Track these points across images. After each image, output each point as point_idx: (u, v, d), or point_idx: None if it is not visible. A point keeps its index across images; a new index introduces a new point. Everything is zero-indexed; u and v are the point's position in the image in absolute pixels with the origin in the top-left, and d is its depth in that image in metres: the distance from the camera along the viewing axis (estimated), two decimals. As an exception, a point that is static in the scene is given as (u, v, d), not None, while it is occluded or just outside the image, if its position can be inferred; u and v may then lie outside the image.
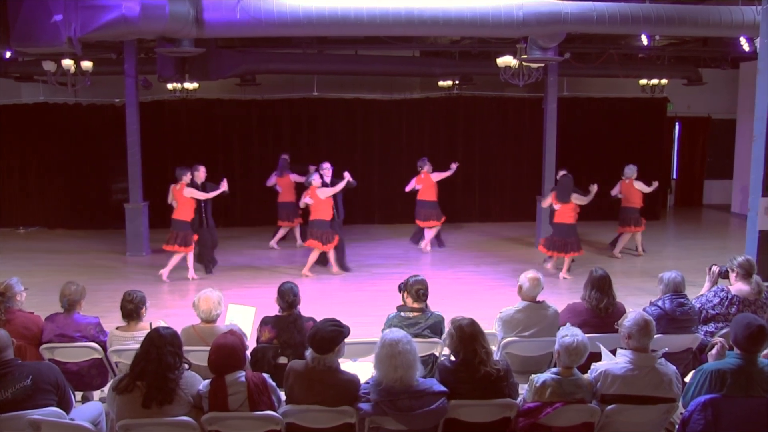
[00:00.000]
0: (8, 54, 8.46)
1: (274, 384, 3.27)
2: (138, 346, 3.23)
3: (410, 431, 3.10)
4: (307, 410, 3.14)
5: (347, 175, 8.42)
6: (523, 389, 3.36)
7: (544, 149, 10.21)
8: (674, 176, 14.49)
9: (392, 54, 11.37)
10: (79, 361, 4.21)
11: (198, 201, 8.21)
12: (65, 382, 3.36)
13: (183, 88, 11.54)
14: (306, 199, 8.34)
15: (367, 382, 3.20)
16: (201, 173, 8.34)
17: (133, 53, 9.54)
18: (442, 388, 3.14)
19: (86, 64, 8.53)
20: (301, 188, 9.90)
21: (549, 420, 3.10)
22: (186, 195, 8.06)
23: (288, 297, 4.17)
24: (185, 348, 3.38)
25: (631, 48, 11.37)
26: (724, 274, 4.62)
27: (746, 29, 7.76)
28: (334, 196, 8.49)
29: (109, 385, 3.62)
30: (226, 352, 3.15)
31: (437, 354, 4.12)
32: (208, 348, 3.24)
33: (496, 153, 12.51)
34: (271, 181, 10.09)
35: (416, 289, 4.17)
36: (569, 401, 3.11)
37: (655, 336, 3.35)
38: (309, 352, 3.21)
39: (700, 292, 4.68)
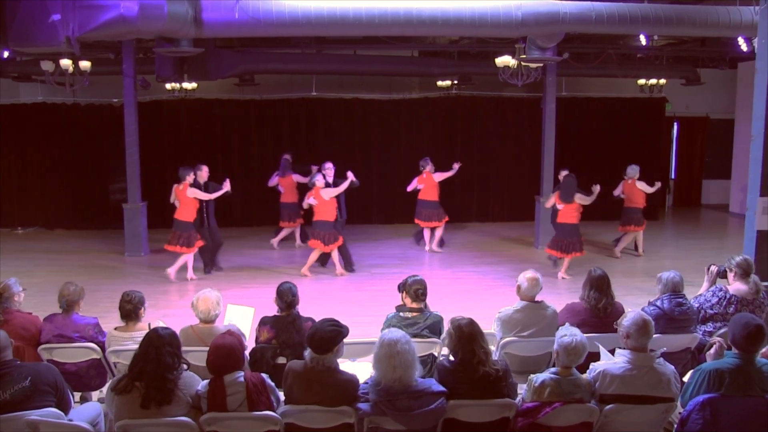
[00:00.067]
0: (6, 54, 8.44)
1: (272, 384, 3.27)
2: (137, 346, 3.22)
3: (409, 431, 3.11)
4: (306, 410, 3.14)
5: (351, 175, 8.41)
6: (521, 389, 3.36)
7: (543, 149, 10.21)
8: (673, 176, 14.50)
9: (391, 54, 11.37)
10: (78, 362, 4.20)
11: (200, 201, 8.20)
12: (64, 383, 3.35)
13: (181, 88, 11.53)
14: (310, 200, 8.31)
15: (365, 382, 3.20)
16: (204, 173, 8.34)
17: (131, 53, 9.53)
18: (441, 388, 3.14)
19: (84, 64, 8.52)
20: (303, 188, 9.91)
21: (548, 420, 3.10)
22: (189, 195, 8.04)
23: (287, 297, 4.16)
24: (184, 348, 3.37)
25: (630, 48, 11.38)
26: (722, 274, 4.63)
27: (744, 29, 7.77)
28: (337, 197, 8.48)
29: (107, 385, 3.61)
30: (224, 353, 3.14)
31: (436, 354, 4.12)
32: (207, 348, 3.24)
33: (495, 153, 12.51)
34: (273, 181, 10.08)
35: (415, 289, 4.17)
36: (568, 401, 3.11)
37: (654, 336, 3.35)
38: (308, 352, 3.21)
39: (698, 292, 4.68)
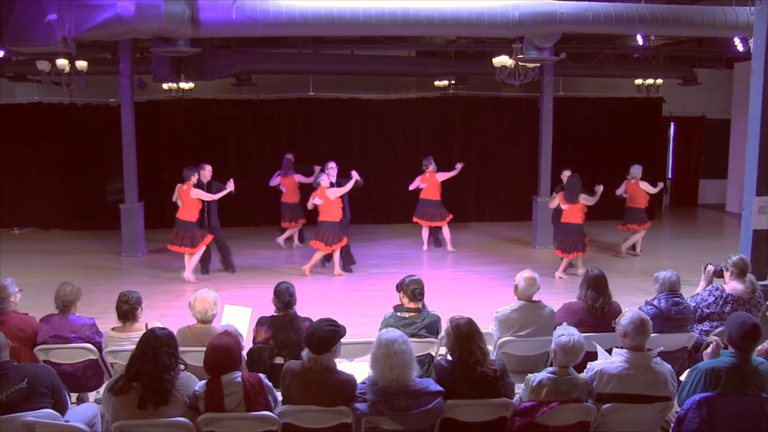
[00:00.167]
0: (2, 53, 8.42)
1: (270, 384, 3.27)
2: (134, 347, 3.22)
3: (407, 431, 3.10)
4: (304, 410, 3.14)
5: (355, 174, 8.40)
6: (519, 388, 3.36)
7: (540, 149, 10.22)
8: (669, 176, 14.53)
9: (388, 54, 11.37)
10: (75, 363, 4.19)
11: (203, 201, 8.18)
12: (61, 384, 3.35)
13: (178, 87, 11.51)
14: (315, 200, 8.29)
15: (363, 382, 3.20)
16: (207, 172, 8.32)
17: (128, 53, 9.51)
18: (439, 388, 3.14)
19: (81, 64, 8.50)
20: (304, 189, 9.90)
21: (545, 419, 3.10)
22: (193, 196, 8.03)
23: (284, 297, 4.16)
24: (181, 349, 3.37)
25: (627, 48, 11.40)
26: (719, 273, 4.64)
27: (740, 30, 7.80)
28: (342, 196, 8.46)
29: (104, 386, 3.60)
30: (221, 353, 3.14)
31: (434, 354, 4.12)
32: (204, 348, 3.23)
33: (492, 153, 12.51)
34: (275, 181, 10.06)
35: (412, 289, 4.17)
36: (565, 400, 3.12)
37: (651, 335, 3.36)
38: (305, 353, 3.20)
39: (695, 291, 4.70)
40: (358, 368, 3.65)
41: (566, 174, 8.88)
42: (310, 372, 3.16)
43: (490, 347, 3.92)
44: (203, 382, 3.18)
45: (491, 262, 9.37)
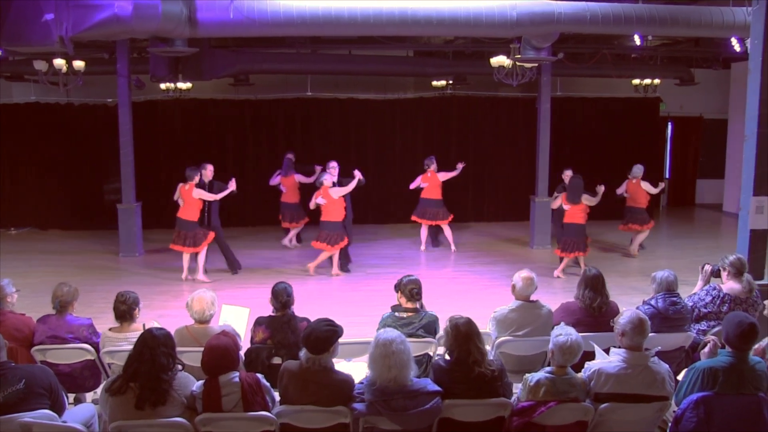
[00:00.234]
0: (-1, 53, 8.41)
1: (268, 384, 3.27)
2: (131, 347, 3.21)
3: (404, 431, 3.11)
4: (302, 410, 3.14)
5: (358, 174, 8.39)
6: (517, 388, 3.36)
7: (538, 149, 10.23)
8: (667, 176, 14.56)
9: (386, 54, 11.37)
10: (72, 363, 4.18)
11: (204, 201, 8.17)
12: (59, 385, 3.34)
13: (176, 87, 11.49)
14: (318, 200, 8.27)
15: (361, 382, 3.21)
16: (208, 172, 8.31)
17: (125, 53, 9.49)
18: (437, 388, 3.14)
19: (78, 64, 8.47)
20: (304, 188, 9.89)
21: (543, 419, 3.10)
22: (195, 196, 8.02)
23: (282, 297, 4.16)
24: (179, 349, 3.37)
25: (624, 48, 11.42)
26: (716, 273, 4.65)
27: (737, 30, 7.81)
28: (344, 196, 8.45)
29: (101, 386, 3.60)
30: (219, 353, 3.13)
31: (431, 354, 4.12)
32: (202, 349, 3.23)
33: (490, 153, 12.52)
34: (275, 180, 10.05)
35: (410, 289, 4.17)
36: (563, 400, 3.12)
37: (648, 334, 3.36)
38: (303, 353, 3.20)
39: (692, 291, 4.71)
40: (356, 368, 3.65)
41: (567, 174, 8.87)
42: (308, 372, 3.16)
43: (487, 347, 3.92)
44: (201, 382, 3.18)
45: (489, 262, 9.37)
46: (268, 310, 4.23)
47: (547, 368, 3.26)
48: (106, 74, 10.20)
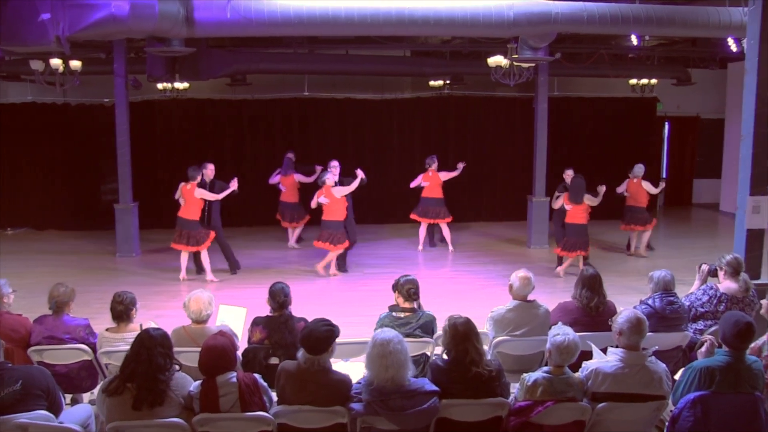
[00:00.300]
0: (-5, 53, 8.36)
1: (265, 384, 3.26)
2: (128, 347, 3.21)
3: (402, 431, 3.10)
4: (299, 410, 3.14)
5: (360, 173, 8.39)
6: (514, 388, 3.37)
7: (535, 149, 10.24)
8: (664, 175, 14.58)
9: (383, 54, 11.37)
10: (69, 363, 4.17)
11: (205, 200, 8.16)
12: (56, 386, 3.33)
13: (173, 87, 11.46)
14: (320, 199, 8.26)
15: (358, 382, 3.20)
16: (209, 171, 8.30)
17: (122, 53, 9.48)
18: (434, 388, 3.14)
19: (75, 64, 8.46)
20: (304, 188, 9.87)
21: (540, 419, 3.11)
22: (197, 196, 8.01)
23: (279, 297, 4.15)
24: (176, 349, 3.36)
25: (621, 48, 11.45)
26: (713, 273, 4.66)
27: (734, 30, 7.83)
28: (346, 195, 8.43)
29: (98, 387, 3.59)
30: (216, 354, 3.13)
31: (429, 353, 4.12)
32: (199, 349, 3.22)
33: (488, 152, 12.53)
34: (274, 179, 10.03)
35: (407, 289, 4.17)
36: (560, 400, 3.12)
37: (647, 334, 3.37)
38: (301, 353, 3.20)
39: (689, 291, 4.72)
40: (353, 368, 3.65)
41: (569, 174, 8.86)
42: (306, 372, 3.16)
43: (485, 347, 3.92)
44: (198, 382, 3.17)
45: (486, 261, 9.38)
46: (266, 310, 4.22)
47: (545, 368, 3.26)
48: (103, 74, 10.18)
